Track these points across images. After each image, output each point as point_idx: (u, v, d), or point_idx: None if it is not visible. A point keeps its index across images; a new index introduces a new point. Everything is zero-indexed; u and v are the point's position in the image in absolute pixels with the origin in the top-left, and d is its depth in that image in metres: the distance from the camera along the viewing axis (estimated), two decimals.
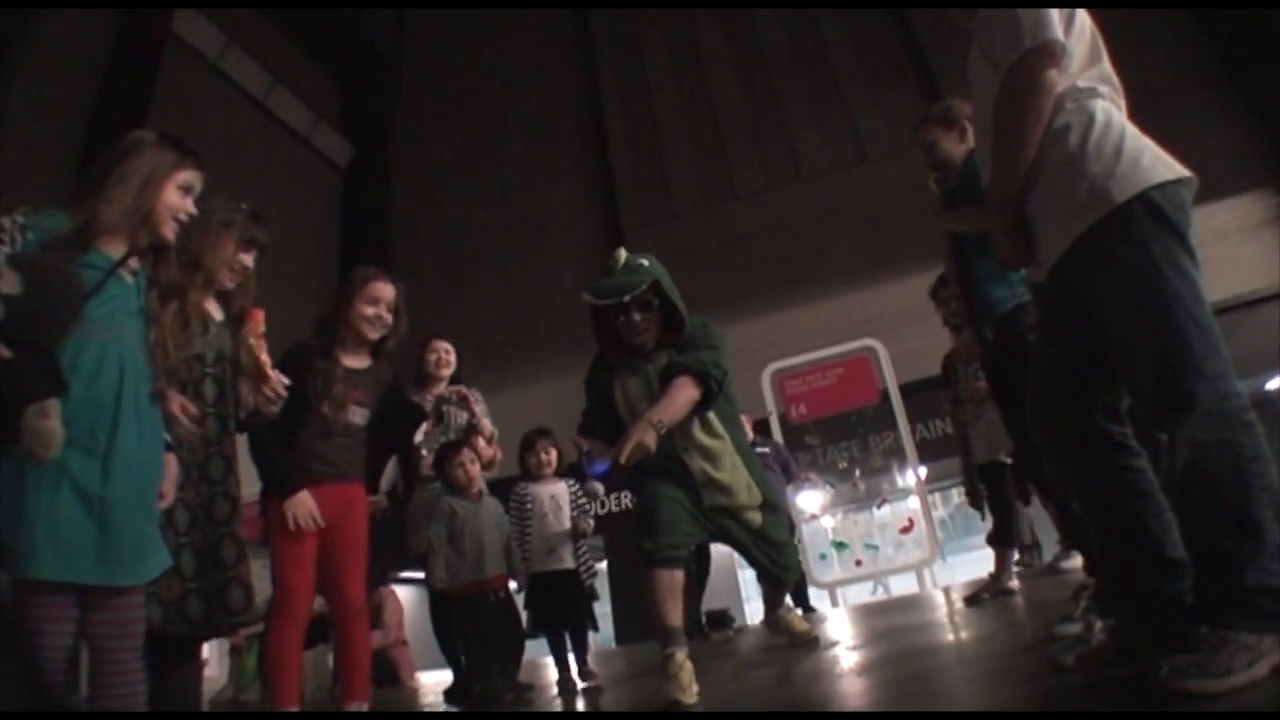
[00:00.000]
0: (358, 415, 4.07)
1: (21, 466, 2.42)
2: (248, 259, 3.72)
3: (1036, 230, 2.52)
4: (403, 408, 4.47)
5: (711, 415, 4.09)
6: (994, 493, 6.17)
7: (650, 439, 3.64)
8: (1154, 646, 2.17)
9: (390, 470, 5.65)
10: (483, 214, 18.50)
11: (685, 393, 3.86)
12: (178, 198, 2.89)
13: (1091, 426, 2.44)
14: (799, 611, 4.83)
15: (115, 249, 2.73)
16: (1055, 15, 2.39)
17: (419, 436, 5.52)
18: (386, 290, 4.17)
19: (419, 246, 18.64)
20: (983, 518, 6.53)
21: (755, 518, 4.14)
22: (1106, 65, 2.53)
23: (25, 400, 2.35)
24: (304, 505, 3.71)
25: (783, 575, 4.37)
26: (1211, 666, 1.98)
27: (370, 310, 4.11)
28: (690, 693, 3.53)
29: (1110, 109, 2.45)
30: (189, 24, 15.12)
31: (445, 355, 5.84)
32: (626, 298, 3.95)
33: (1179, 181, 2.31)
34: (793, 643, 4.86)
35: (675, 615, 3.77)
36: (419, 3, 20.88)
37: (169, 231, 2.90)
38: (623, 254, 4.12)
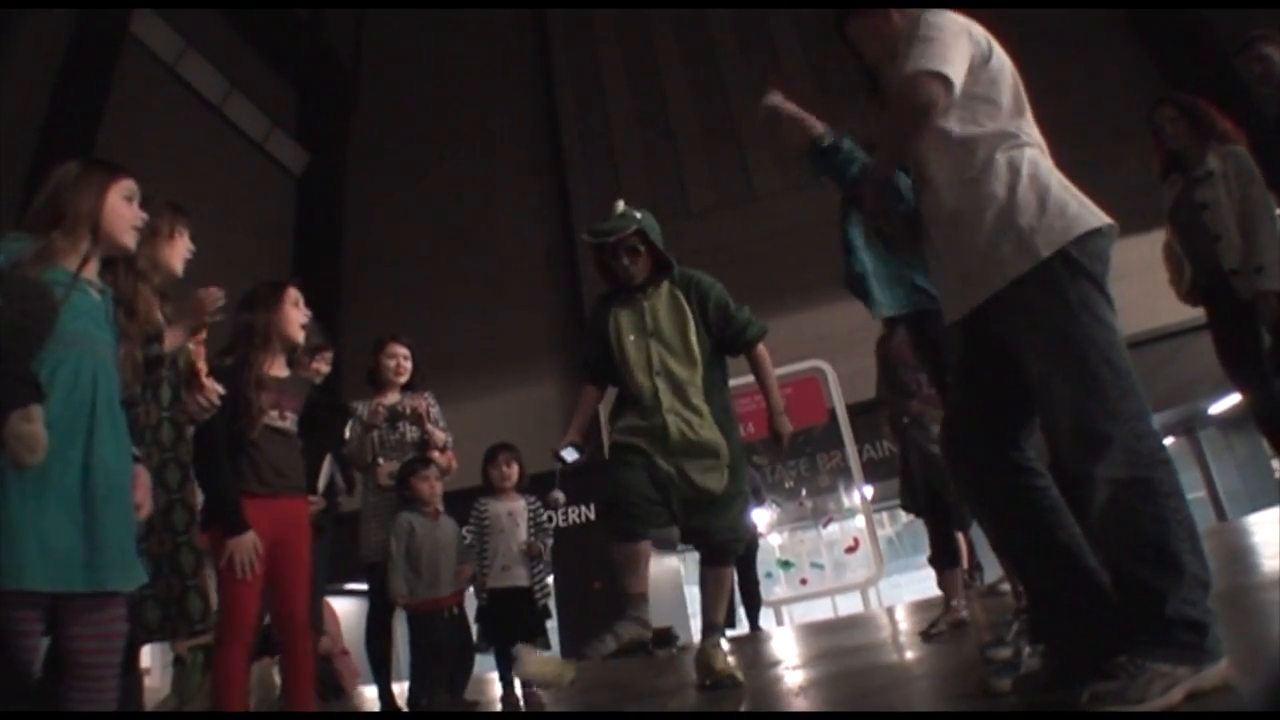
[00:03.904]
0: (290, 421, 4.11)
1: (3, 477, 2.43)
2: (185, 245, 3.79)
3: (953, 269, 2.60)
4: (327, 407, 4.56)
5: (698, 385, 4.42)
6: (934, 506, 5.79)
7: (788, 424, 4.59)
8: (1079, 667, 2.26)
9: (326, 471, 5.64)
10: (437, 224, 18.47)
11: (769, 362, 4.67)
12: (124, 205, 2.92)
13: (998, 458, 2.53)
14: (725, 645, 4.57)
15: (73, 265, 2.77)
16: (956, 54, 2.52)
17: (375, 443, 5.55)
18: (297, 294, 4.26)
19: (373, 254, 18.58)
20: (919, 514, 6.38)
21: (717, 481, 4.34)
22: (1028, 111, 2.61)
23: (8, 407, 2.37)
24: (245, 550, 3.70)
25: (728, 539, 4.39)
26: (1129, 694, 2.07)
27: (299, 315, 4.19)
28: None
29: (1036, 157, 2.52)
30: (147, 26, 14.99)
31: (403, 362, 5.76)
32: (613, 238, 4.50)
33: (1099, 231, 2.39)
34: (711, 683, 4.32)
35: (637, 585, 4.15)
36: (378, 3, 20.87)
37: (130, 240, 2.95)
38: (620, 205, 4.67)
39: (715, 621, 4.46)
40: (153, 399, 3.46)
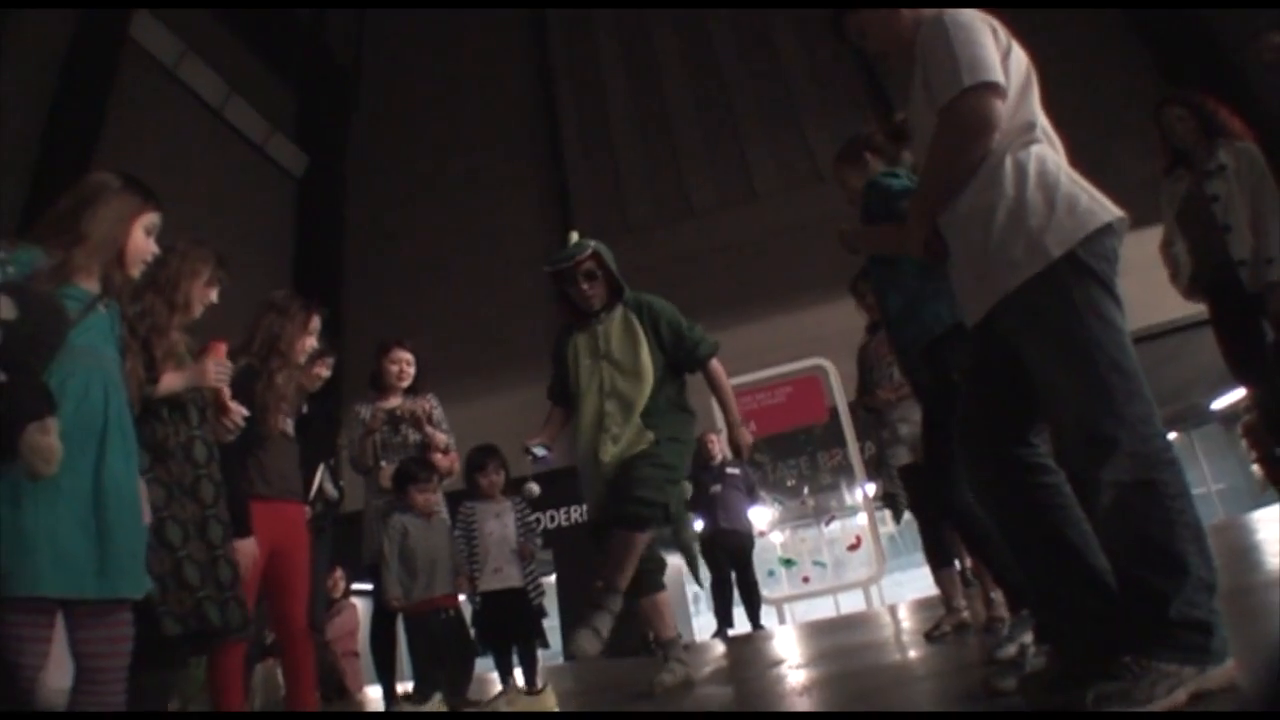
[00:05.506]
0: (289, 426, 4.30)
1: (16, 486, 2.47)
2: (214, 294, 3.84)
3: (966, 272, 2.58)
4: (322, 416, 4.69)
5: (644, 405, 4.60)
6: (920, 504, 5.53)
7: (747, 434, 4.82)
8: (1085, 668, 2.25)
9: (317, 478, 5.68)
10: (437, 226, 18.46)
11: (724, 377, 4.86)
12: (143, 240, 3.01)
13: (1009, 455, 2.51)
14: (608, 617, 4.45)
15: (90, 284, 2.84)
16: (994, 56, 2.42)
17: (377, 446, 5.59)
18: (319, 322, 4.55)
19: (373, 257, 18.59)
20: (897, 521, 6.37)
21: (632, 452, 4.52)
22: (1038, 107, 2.55)
23: (25, 419, 2.41)
24: (246, 555, 3.78)
25: (626, 501, 4.35)
26: (1135, 694, 2.05)
27: (312, 341, 4.49)
28: None
29: (1044, 153, 2.47)
30: (146, 30, 14.99)
31: (406, 367, 5.84)
32: (570, 262, 4.73)
33: (1109, 227, 2.35)
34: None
35: (666, 630, 4.77)
36: (378, 5, 20.85)
37: (136, 272, 3.03)
38: (574, 235, 4.93)
39: (612, 585, 4.30)
40: (181, 419, 3.52)
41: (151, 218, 3.03)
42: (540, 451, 4.73)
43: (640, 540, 4.36)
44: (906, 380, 4.53)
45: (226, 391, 3.64)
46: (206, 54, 16.38)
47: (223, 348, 3.64)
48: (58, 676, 2.75)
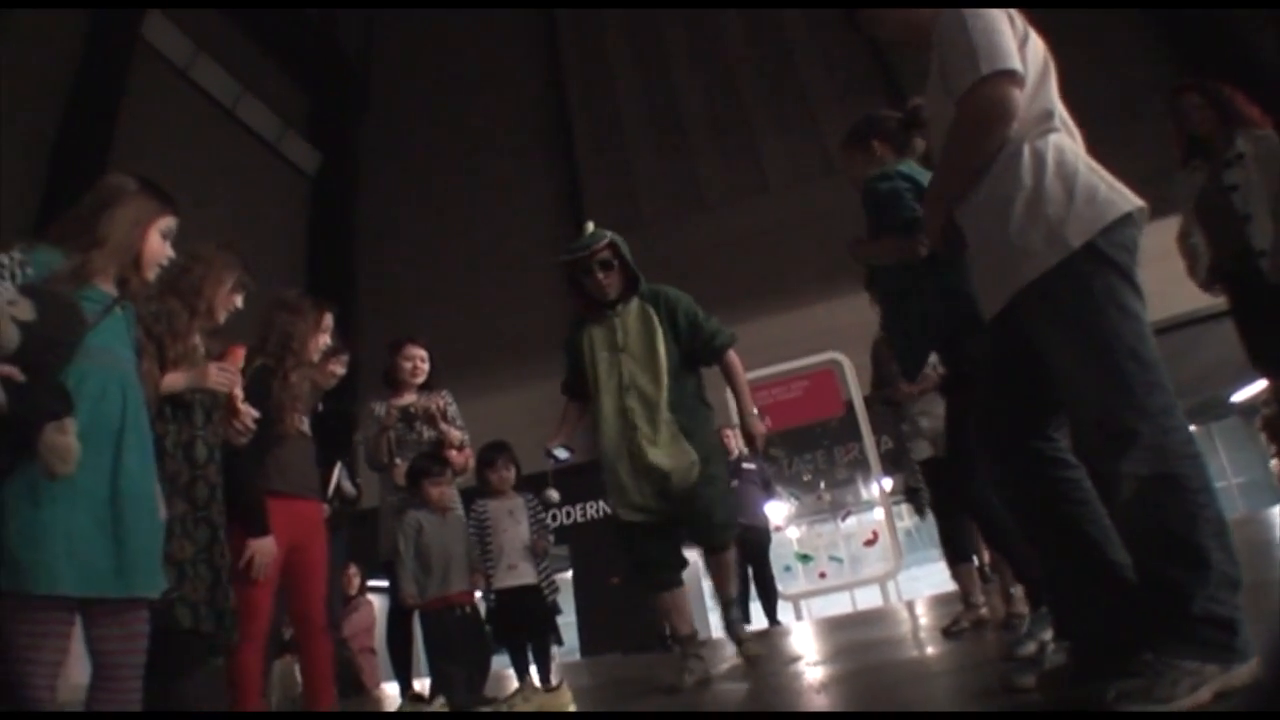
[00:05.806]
0: (305, 424, 4.30)
1: (34, 484, 2.49)
2: (239, 300, 3.85)
3: (984, 263, 2.55)
4: (336, 414, 4.80)
5: (664, 398, 4.64)
6: (940, 496, 5.49)
7: (760, 425, 4.82)
8: (1104, 664, 2.22)
9: (336, 476, 5.69)
10: (450, 222, 18.48)
11: (740, 368, 4.86)
12: (159, 243, 3.04)
13: (1027, 447, 2.48)
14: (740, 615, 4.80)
15: (107, 286, 2.87)
16: (1012, 44, 2.39)
17: (392, 443, 5.60)
18: (331, 320, 4.57)
19: (386, 254, 18.62)
20: (921, 516, 6.32)
21: (691, 478, 4.57)
22: (1056, 95, 2.52)
23: (43, 418, 2.45)
24: (266, 553, 3.81)
25: (711, 531, 4.71)
26: (1157, 692, 2.02)
27: (325, 339, 4.51)
28: None
29: (1062, 142, 2.44)
30: (158, 31, 15.06)
31: (420, 364, 5.85)
32: (586, 252, 4.72)
33: (1129, 217, 2.32)
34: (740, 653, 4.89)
35: (684, 626, 4.72)
36: (388, 3, 20.87)
37: (152, 275, 3.06)
38: (590, 226, 4.92)
39: (727, 598, 4.96)
40: (185, 419, 3.52)
41: (168, 222, 3.05)
42: (562, 455, 4.76)
43: (732, 554, 4.92)
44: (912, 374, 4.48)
45: (238, 394, 3.64)
46: (219, 54, 16.47)
47: (240, 353, 3.66)
48: (76, 673, 2.78)
